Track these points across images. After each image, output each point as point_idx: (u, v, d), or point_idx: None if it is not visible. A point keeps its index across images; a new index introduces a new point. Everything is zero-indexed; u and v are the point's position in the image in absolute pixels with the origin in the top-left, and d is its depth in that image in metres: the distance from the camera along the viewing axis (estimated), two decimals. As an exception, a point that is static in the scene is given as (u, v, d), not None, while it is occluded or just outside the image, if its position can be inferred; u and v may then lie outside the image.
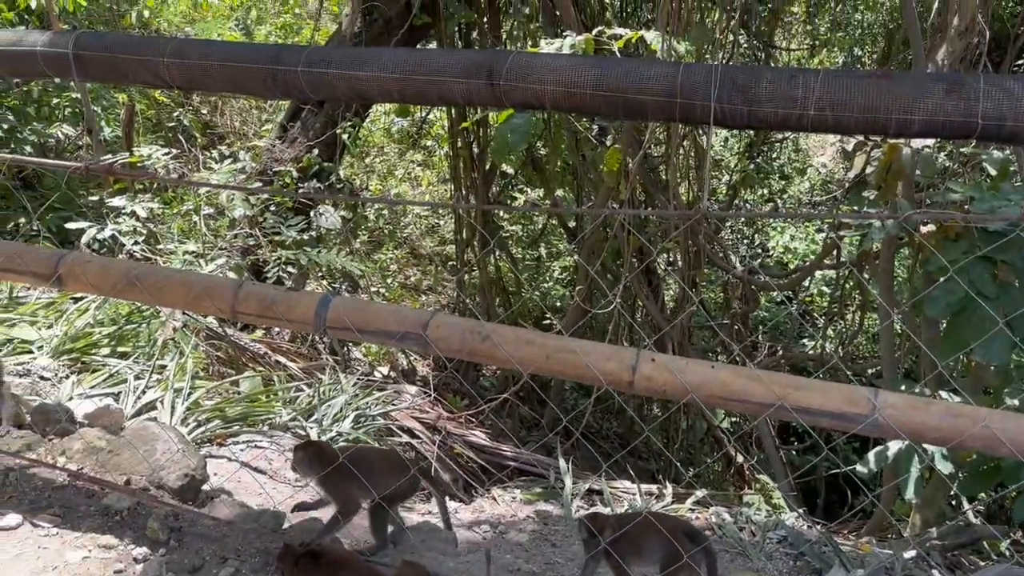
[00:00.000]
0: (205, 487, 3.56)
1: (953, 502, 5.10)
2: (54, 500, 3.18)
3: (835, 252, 7.20)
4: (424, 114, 10.27)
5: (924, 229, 4.07)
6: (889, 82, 2.03)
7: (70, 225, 6.14)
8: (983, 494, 4.81)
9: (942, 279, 3.45)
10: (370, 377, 6.73)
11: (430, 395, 6.79)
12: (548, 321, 9.82)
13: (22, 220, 6.68)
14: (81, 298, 5.32)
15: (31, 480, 3.26)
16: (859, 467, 4.26)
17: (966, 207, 3.73)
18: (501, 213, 10.07)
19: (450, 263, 11.82)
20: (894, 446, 4.20)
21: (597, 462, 6.03)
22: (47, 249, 3.13)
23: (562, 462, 5.04)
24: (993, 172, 4.23)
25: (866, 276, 6.28)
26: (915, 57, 4.70)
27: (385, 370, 7.51)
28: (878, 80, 2.03)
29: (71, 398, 4.27)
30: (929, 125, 2.01)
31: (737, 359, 6.31)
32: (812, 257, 10.36)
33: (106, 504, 3.18)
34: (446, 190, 12.73)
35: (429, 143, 12.33)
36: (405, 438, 5.76)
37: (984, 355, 3.38)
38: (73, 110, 7.75)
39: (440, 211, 12.38)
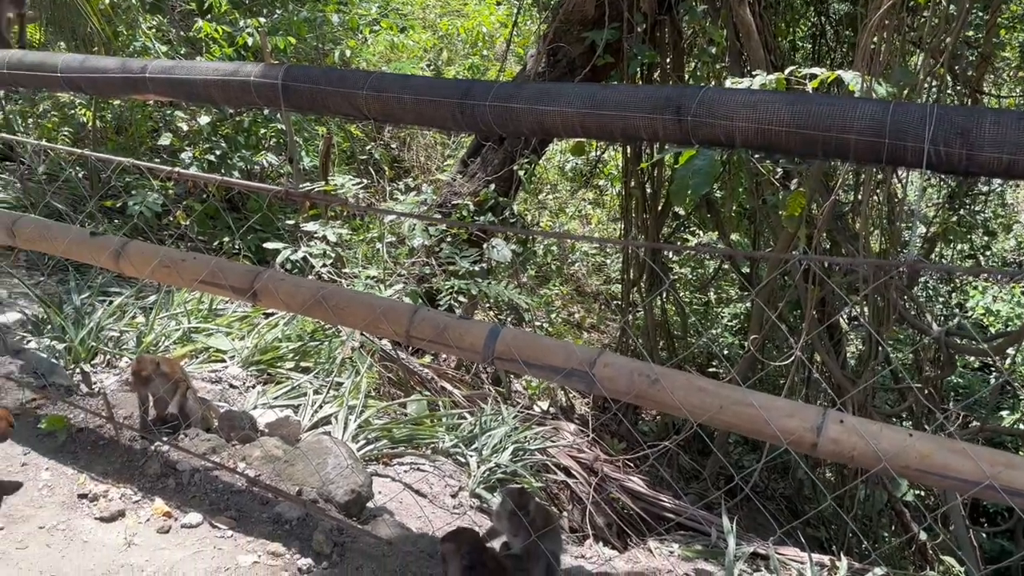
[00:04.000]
0: (369, 504, 3.63)
1: None
2: (231, 503, 3.34)
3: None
4: (599, 153, 10.26)
5: None
6: None
7: (267, 245, 6.55)
8: None
9: None
10: (529, 411, 6.70)
11: (588, 435, 6.67)
12: (714, 369, 9.47)
13: (226, 239, 7.19)
14: (271, 314, 5.62)
15: (213, 482, 3.43)
16: (1067, 559, 3.75)
17: None
18: (670, 255, 9.85)
19: (615, 302, 11.70)
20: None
21: (761, 523, 5.68)
22: (246, 266, 3.31)
23: (726, 520, 4.77)
24: None
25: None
26: None
27: (545, 405, 7.46)
28: None
29: (255, 407, 4.49)
30: None
31: (926, 427, 5.78)
32: (1017, 321, 9.45)
33: (278, 512, 3.30)
34: (615, 228, 12.66)
35: (601, 182, 12.32)
36: (561, 476, 5.68)
37: None
38: (277, 140, 8.29)
39: (607, 250, 12.31)
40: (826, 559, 4.69)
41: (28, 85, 3.71)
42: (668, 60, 7.67)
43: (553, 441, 6.00)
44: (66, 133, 7.55)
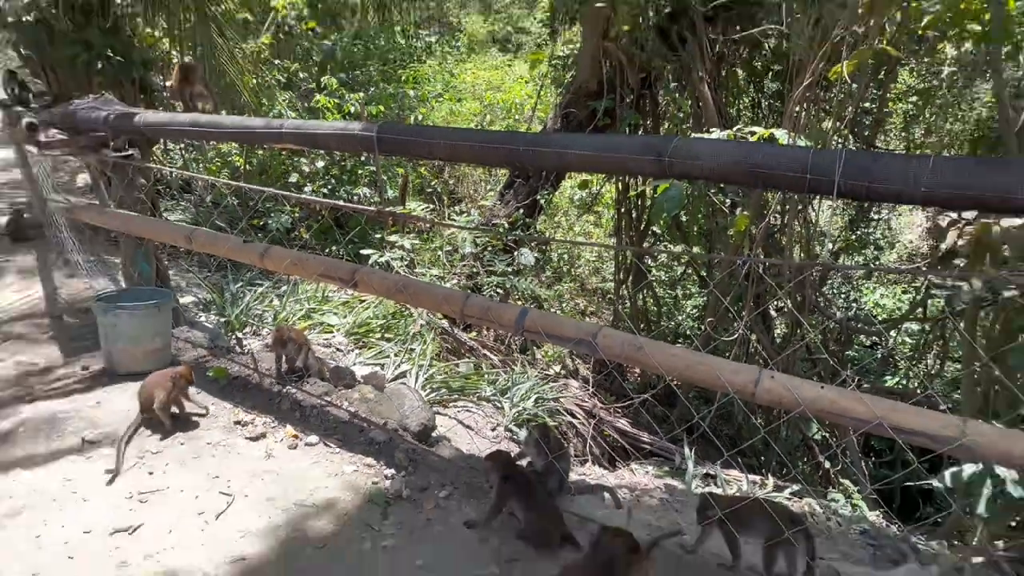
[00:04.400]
0: (434, 434, 3.66)
1: (1015, 523, 4.30)
2: (339, 430, 3.39)
3: (921, 309, 6.40)
4: (598, 189, 10.21)
5: (1007, 294, 3.50)
6: (994, 167, 1.75)
7: (363, 252, 6.62)
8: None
9: (1024, 336, 2.93)
10: (547, 372, 6.71)
11: (589, 390, 6.67)
12: (679, 346, 9.35)
13: (333, 247, 7.27)
14: (363, 300, 5.68)
15: (326, 415, 3.49)
16: (936, 482, 3.69)
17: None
18: (649, 261, 9.76)
19: (608, 296, 11.62)
20: (968, 468, 3.60)
21: (712, 454, 5.65)
22: (349, 263, 3.35)
23: (687, 450, 4.76)
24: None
25: (949, 331, 5.52)
26: (1008, 156, 4.08)
27: (557, 368, 7.46)
28: (987, 165, 1.75)
29: (354, 364, 4.54)
30: (1031, 203, 1.71)
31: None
32: (897, 312, 9.28)
33: (370, 436, 3.35)
34: (611, 244, 12.55)
35: (600, 209, 12.23)
36: (568, 418, 5.69)
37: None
38: (369, 178, 8.36)
39: (604, 257, 12.22)
40: (757, 478, 4.67)
41: (204, 138, 3.80)
42: (649, 122, 7.62)
43: (563, 393, 6.01)
44: (225, 173, 7.68)
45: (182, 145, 7.91)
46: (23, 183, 5.06)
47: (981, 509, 3.56)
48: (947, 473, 3.62)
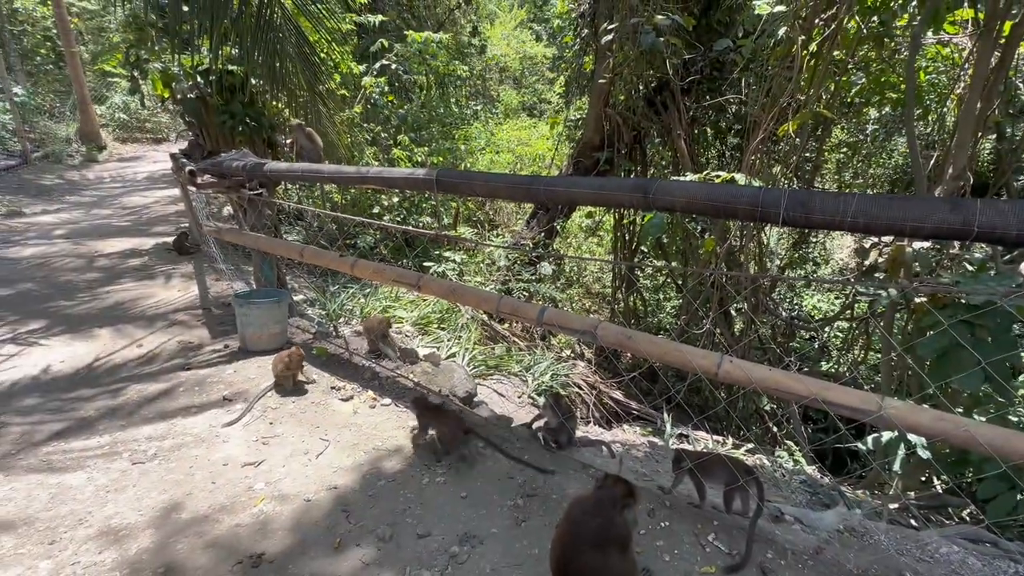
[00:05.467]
0: (475, 399, 3.65)
1: (923, 478, 4.09)
2: (406, 394, 3.38)
3: (849, 311, 6.16)
4: (600, 218, 10.13)
5: (918, 300, 3.34)
6: (907, 201, 1.68)
7: (425, 263, 6.66)
8: (952, 476, 3.83)
9: (931, 332, 2.80)
10: (559, 355, 6.65)
11: (592, 368, 6.59)
12: (661, 337, 9.13)
13: (404, 260, 7.34)
14: (425, 300, 5.70)
15: (397, 384, 3.50)
16: (860, 445, 3.55)
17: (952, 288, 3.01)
18: (638, 272, 9.63)
19: (607, 298, 11.49)
20: (886, 435, 3.45)
21: (684, 419, 5.54)
22: (415, 272, 3.38)
23: (665, 415, 4.66)
24: (970, 268, 3.41)
25: (871, 328, 5.30)
26: (918, 194, 3.91)
27: (568, 352, 7.39)
28: (900, 200, 1.68)
29: (418, 346, 4.55)
30: (937, 231, 1.63)
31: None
32: (830, 313, 8.96)
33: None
34: (609, 259, 12.39)
35: (601, 233, 12.12)
36: (576, 389, 5.63)
37: (962, 384, 2.70)
38: (431, 210, 8.43)
39: (603, 269, 12.10)
40: (720, 438, 4.55)
41: (312, 181, 3.84)
42: (638, 168, 7.53)
43: (572, 371, 5.94)
44: (327, 206, 7.82)
45: (297, 186, 8.09)
46: (185, 212, 5.24)
47: (896, 467, 3.41)
48: (869, 438, 3.49)
